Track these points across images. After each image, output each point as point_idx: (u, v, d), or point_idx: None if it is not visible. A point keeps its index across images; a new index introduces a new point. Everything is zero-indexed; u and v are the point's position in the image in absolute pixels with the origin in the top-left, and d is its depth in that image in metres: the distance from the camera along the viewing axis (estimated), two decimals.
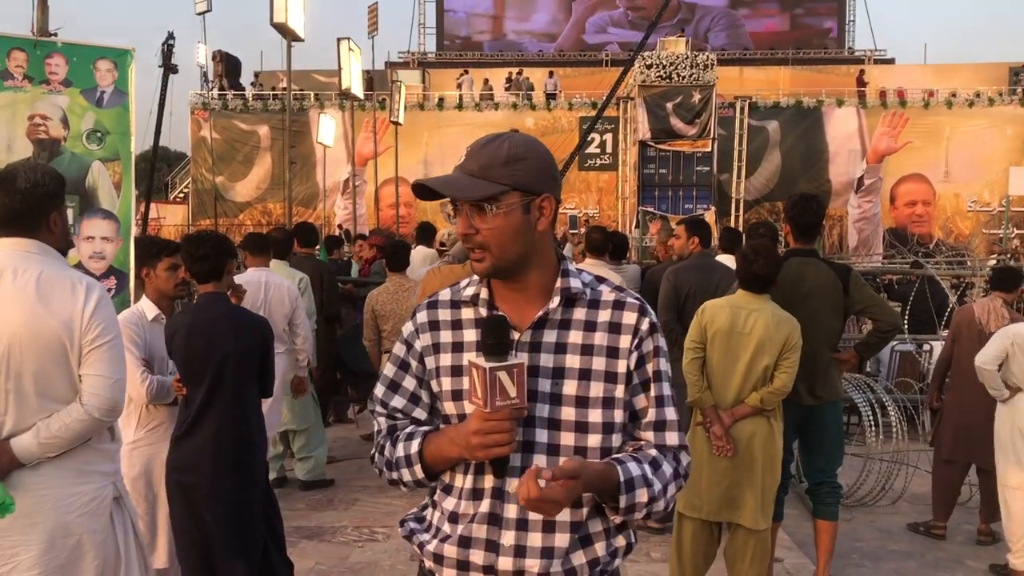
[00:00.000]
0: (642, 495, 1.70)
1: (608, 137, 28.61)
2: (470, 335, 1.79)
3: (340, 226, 24.19)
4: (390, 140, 24.07)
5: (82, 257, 4.52)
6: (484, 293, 1.81)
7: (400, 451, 1.82)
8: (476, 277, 1.84)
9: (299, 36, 11.60)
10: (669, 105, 25.67)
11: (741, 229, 17.09)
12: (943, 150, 28.77)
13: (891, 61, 36.49)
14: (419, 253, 7.92)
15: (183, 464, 3.64)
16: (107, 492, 2.67)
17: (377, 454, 1.90)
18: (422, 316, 1.87)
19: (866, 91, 30.00)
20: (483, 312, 1.78)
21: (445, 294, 1.89)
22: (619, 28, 38.23)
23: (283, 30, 11.28)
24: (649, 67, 25.65)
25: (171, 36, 16.03)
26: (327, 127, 22.38)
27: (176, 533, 3.72)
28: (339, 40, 16.41)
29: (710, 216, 22.42)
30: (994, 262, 12.52)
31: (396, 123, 22.10)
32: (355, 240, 11.68)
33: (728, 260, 5.68)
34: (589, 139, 26.36)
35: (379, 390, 1.92)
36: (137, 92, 4.85)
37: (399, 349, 1.90)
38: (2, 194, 2.53)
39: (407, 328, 1.90)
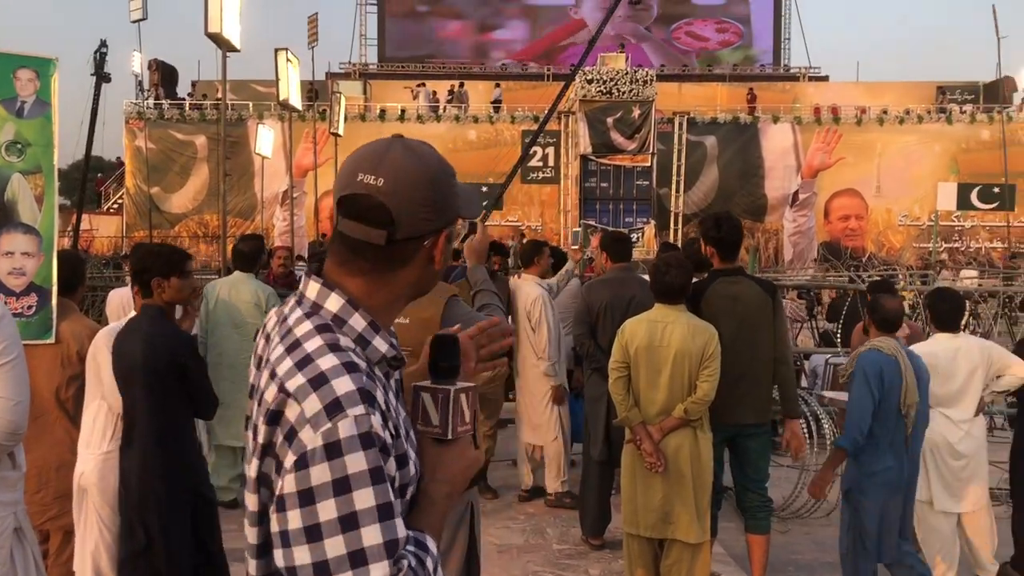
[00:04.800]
0: None
1: (550, 151, 28.79)
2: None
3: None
4: (330, 151, 23.85)
5: (0, 274, 4.32)
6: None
7: (430, 565, 1.31)
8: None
9: (234, 47, 11.35)
10: (609, 120, 25.99)
11: (680, 243, 17.28)
12: (875, 166, 29.61)
13: (825, 78, 37.43)
14: None
15: (121, 477, 3.61)
16: (7, 524, 2.55)
17: None
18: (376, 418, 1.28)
19: (756, 107, 30.77)
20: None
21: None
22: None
23: (218, 40, 11.02)
24: (590, 82, 25.96)
25: (104, 44, 15.70)
26: (265, 138, 22.05)
27: None
28: (276, 51, 16.19)
29: (649, 230, 22.67)
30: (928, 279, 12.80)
31: (336, 134, 21.85)
32: (271, 254, 10.65)
33: None
34: (531, 152, 26.52)
35: (380, 533, 1.21)
36: (70, 101, 4.68)
37: (374, 459, 1.24)
38: None
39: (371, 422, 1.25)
